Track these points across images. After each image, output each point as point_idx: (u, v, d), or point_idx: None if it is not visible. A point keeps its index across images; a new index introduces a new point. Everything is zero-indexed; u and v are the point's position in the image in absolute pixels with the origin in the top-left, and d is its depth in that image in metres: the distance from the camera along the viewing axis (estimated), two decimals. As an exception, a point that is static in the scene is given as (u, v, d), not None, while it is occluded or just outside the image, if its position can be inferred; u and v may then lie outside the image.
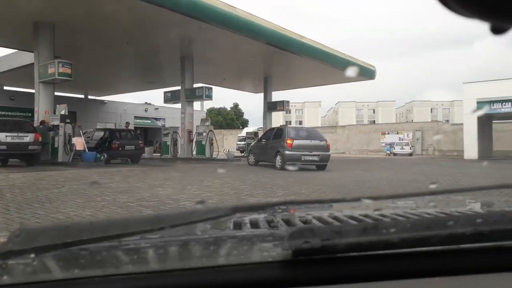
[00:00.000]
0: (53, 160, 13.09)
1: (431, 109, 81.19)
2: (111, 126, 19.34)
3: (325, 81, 24.93)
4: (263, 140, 14.52)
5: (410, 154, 32.51)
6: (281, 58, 18.99)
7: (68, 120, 13.67)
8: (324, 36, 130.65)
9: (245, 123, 65.26)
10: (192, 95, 18.48)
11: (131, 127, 20.31)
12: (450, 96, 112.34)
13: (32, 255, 0.62)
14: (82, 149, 13.97)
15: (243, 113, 71.50)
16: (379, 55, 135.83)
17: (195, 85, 19.00)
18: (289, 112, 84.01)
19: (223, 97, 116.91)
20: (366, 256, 0.58)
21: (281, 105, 23.12)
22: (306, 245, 0.56)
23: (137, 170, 11.05)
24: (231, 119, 68.57)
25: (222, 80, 24.13)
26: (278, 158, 12.70)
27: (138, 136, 16.16)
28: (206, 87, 18.39)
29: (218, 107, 69.32)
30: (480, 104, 22.51)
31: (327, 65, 20.04)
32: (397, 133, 38.16)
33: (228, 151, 18.32)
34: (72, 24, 13.73)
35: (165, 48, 17.36)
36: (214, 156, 18.23)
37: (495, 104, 22.17)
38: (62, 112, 13.84)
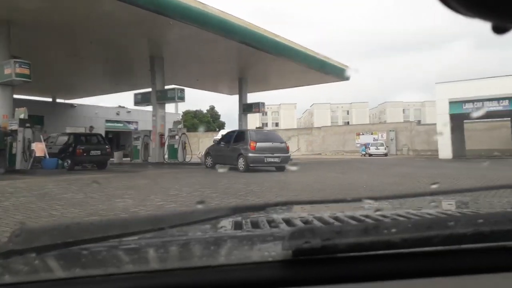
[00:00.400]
0: (10, 167, 12.13)
1: (403, 109, 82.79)
2: (82, 130, 18.42)
3: (300, 82, 24.66)
4: (222, 143, 14.52)
5: (385, 155, 32.67)
6: (255, 58, 18.53)
7: (28, 125, 12.73)
8: (296, 38, 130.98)
9: (221, 126, 64.87)
10: (163, 97, 17.76)
11: (100, 131, 19.38)
12: (421, 97, 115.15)
13: (33, 255, 0.62)
14: (43, 155, 13.04)
15: (219, 115, 71.25)
16: (352, 57, 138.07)
17: (167, 87, 18.28)
18: (266, 114, 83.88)
19: (199, 99, 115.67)
20: (366, 256, 0.58)
21: (256, 107, 22.64)
22: (307, 245, 0.56)
23: (101, 178, 10.29)
24: (207, 121, 68.09)
25: (195, 82, 23.46)
26: (241, 160, 12.82)
27: (105, 141, 15.29)
28: (178, 89, 17.70)
29: (194, 109, 68.46)
30: (453, 104, 22.70)
31: (302, 65, 19.72)
32: (372, 134, 38.37)
33: (202, 154, 17.64)
34: (30, 22, 12.80)
35: (133, 48, 16.60)
36: (187, 160, 17.56)
37: (466, 104, 22.39)
38: (21, 116, 12.88)
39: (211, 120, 68.18)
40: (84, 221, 0.79)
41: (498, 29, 0.39)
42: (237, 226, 0.94)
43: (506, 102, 21.37)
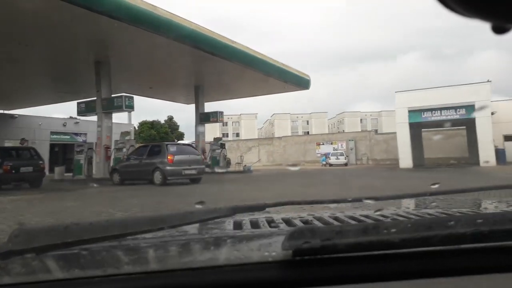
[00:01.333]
0: None
1: (361, 119, 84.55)
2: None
3: (260, 90, 23.79)
4: (133, 157, 14.16)
5: (345, 164, 32.40)
6: (211, 64, 17.45)
7: None
8: (253, 48, 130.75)
9: (180, 137, 63.26)
10: (109, 106, 16.19)
11: (44, 144, 17.40)
12: (378, 107, 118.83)
13: (32, 255, 0.63)
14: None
15: (178, 126, 67.99)
16: (309, 68, 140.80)
17: (114, 95, 16.73)
18: (226, 124, 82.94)
19: (157, 109, 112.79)
20: (366, 256, 0.58)
21: (214, 117, 21.49)
22: (306, 245, 0.56)
23: (21, 200, 8.65)
24: (165, 132, 66.27)
25: (148, 90, 21.97)
26: (157, 174, 12.78)
27: (39, 155, 13.50)
28: (126, 97, 16.20)
29: (152, 120, 65.87)
30: (412, 112, 22.64)
31: (260, 73, 18.85)
32: (332, 144, 38.18)
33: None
34: None
35: (76, 51, 15.00)
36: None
37: (425, 112, 22.39)
38: None
39: (170, 131, 66.38)
40: (84, 221, 0.70)
41: (498, 29, 0.39)
42: (237, 226, 0.95)
43: (463, 111, 21.53)
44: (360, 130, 51.84)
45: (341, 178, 14.53)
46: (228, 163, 30.97)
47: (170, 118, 67.77)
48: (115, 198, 8.90)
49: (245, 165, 20.84)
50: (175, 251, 0.71)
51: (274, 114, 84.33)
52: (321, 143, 38.57)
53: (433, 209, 1.21)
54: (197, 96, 21.63)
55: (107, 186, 13.25)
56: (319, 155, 37.75)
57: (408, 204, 1.32)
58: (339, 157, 33.15)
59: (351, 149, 36.59)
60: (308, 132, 69.81)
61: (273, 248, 0.63)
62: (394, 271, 0.58)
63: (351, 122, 79.80)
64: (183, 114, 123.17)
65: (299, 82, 22.13)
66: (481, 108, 19.13)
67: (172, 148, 13.59)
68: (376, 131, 38.19)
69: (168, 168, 12.66)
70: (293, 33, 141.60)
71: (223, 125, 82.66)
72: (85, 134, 28.73)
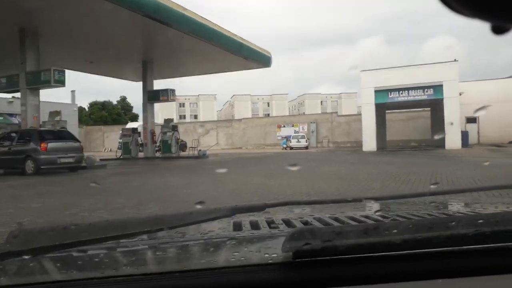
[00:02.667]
0: None
1: (321, 101, 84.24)
2: None
3: (218, 67, 21.66)
4: (0, 144, 12.81)
5: (306, 147, 31.21)
6: (161, 35, 15.25)
7: None
8: None
9: (134, 118, 60.01)
10: (35, 80, 13.62)
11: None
12: (338, 89, 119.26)
13: (30, 257, 0.62)
14: None
15: (132, 107, 65.46)
16: (269, 50, 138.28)
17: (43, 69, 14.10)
18: (183, 106, 79.83)
19: (111, 89, 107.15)
20: (367, 258, 0.57)
21: (164, 95, 19.24)
22: (307, 246, 0.56)
23: None
24: (118, 114, 62.55)
25: (88, 65, 19.29)
26: (30, 163, 11.77)
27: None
28: (56, 70, 13.63)
29: (103, 100, 63.18)
30: (378, 93, 21.48)
31: (218, 47, 16.79)
32: (293, 126, 36.87)
33: (87, 157, 13.90)
34: None
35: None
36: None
37: (392, 92, 21.32)
38: None
39: (123, 112, 62.45)
40: (83, 222, 0.71)
41: (498, 30, 0.39)
42: (237, 227, 0.95)
43: (431, 91, 20.63)
44: (320, 112, 50.87)
45: (305, 165, 12.99)
46: (184, 146, 28.94)
47: (123, 99, 65.82)
48: (22, 194, 6.80)
49: (199, 150, 18.84)
50: (174, 253, 0.71)
51: (234, 95, 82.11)
52: (282, 126, 37.18)
53: (433, 209, 1.21)
54: (145, 72, 19.27)
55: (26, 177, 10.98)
56: (279, 138, 36.40)
57: (408, 204, 1.30)
58: (300, 140, 31.86)
59: (312, 131, 35.47)
60: (268, 114, 68.40)
61: (273, 250, 0.63)
62: (395, 273, 0.57)
63: (311, 104, 79.20)
64: (137, 94, 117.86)
65: (260, 59, 20.26)
66: (456, 93, 18.07)
67: (46, 135, 12.46)
68: (336, 113, 37.17)
69: (42, 156, 11.65)
70: (252, 16, 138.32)
71: (180, 106, 79.54)
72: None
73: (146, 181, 8.76)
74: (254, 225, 0.95)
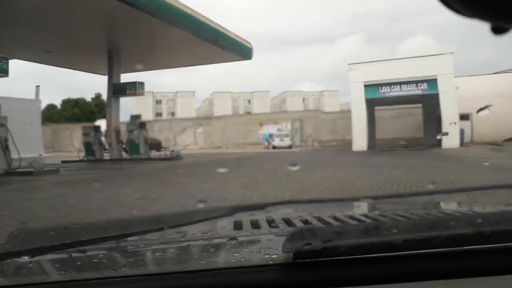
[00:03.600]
0: None
1: (303, 99, 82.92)
2: None
3: (194, 60, 19.51)
4: None
5: (290, 147, 29.44)
6: (127, 20, 13.11)
7: None
8: None
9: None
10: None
11: None
12: (319, 87, 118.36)
13: (30, 257, 0.62)
14: None
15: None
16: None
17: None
18: (160, 103, 77.04)
19: (87, 86, 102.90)
20: (367, 258, 0.57)
21: (132, 88, 17.02)
22: (307, 247, 0.56)
23: None
24: (91, 111, 59.94)
25: (45, 54, 16.90)
26: None
27: None
28: (-5, 57, 11.32)
29: (76, 97, 62.04)
30: (368, 87, 19.81)
31: (191, 34, 14.73)
32: (276, 124, 35.07)
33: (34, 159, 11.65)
34: None
35: None
36: (14, 165, 11.42)
37: (383, 87, 19.69)
38: None
39: (97, 110, 59.79)
40: (83, 221, 0.69)
41: (497, 30, 0.39)
42: (237, 226, 0.94)
43: (425, 85, 19.09)
44: (303, 109, 49.17)
45: (293, 169, 11.10)
46: (158, 146, 26.74)
47: (98, 96, 63.57)
48: None
49: (172, 150, 16.66)
50: (174, 253, 0.70)
51: (213, 92, 79.82)
52: (264, 124, 35.29)
53: (432, 208, 1.19)
54: (111, 62, 17.02)
55: None
56: (261, 136, 34.56)
57: (407, 204, 1.29)
58: (283, 138, 30.07)
59: (296, 130, 33.73)
60: (249, 112, 66.43)
61: (273, 250, 0.62)
62: (395, 273, 0.57)
63: (293, 101, 77.62)
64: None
65: (240, 50, 18.29)
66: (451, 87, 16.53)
67: None
68: (322, 110, 35.51)
69: None
70: (230, 14, 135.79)
71: (157, 103, 76.71)
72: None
73: (88, 194, 6.70)
74: (255, 224, 0.94)
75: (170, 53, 18.25)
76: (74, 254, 0.65)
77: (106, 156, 17.42)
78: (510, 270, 0.57)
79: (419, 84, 18.86)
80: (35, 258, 0.63)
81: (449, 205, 1.27)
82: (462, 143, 19.77)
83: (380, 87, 19.59)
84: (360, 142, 19.92)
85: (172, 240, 0.76)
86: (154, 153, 17.55)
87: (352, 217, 0.99)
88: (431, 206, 1.24)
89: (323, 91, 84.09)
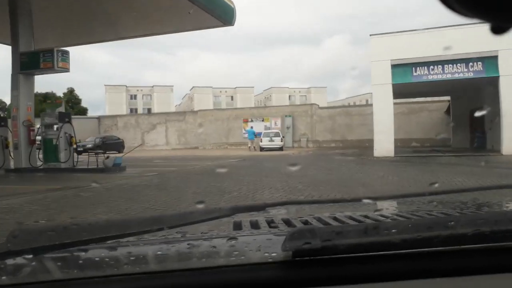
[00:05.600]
0: None
1: (289, 96, 78.00)
2: None
3: (164, 23, 13.60)
4: None
5: (281, 148, 23.83)
6: None
7: None
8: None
9: (82, 113, 53.14)
10: None
11: None
12: (306, 84, 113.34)
13: (31, 256, 0.62)
14: None
15: (80, 100, 59.08)
16: (237, 48, 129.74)
17: None
18: (135, 98, 70.57)
19: (60, 80, 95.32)
20: (367, 257, 0.58)
21: (48, 59, 11.02)
22: (307, 246, 0.56)
23: None
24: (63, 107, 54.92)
25: None
26: None
27: None
28: None
29: (45, 91, 54.48)
30: (397, 68, 14.21)
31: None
32: (263, 120, 29.41)
33: None
34: None
35: None
36: None
37: (418, 68, 14.11)
38: None
39: (69, 106, 53.82)
40: (83, 221, 0.69)
41: (497, 30, 0.39)
42: (237, 226, 0.94)
43: (479, 66, 13.59)
44: (298, 103, 43.23)
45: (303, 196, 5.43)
46: (120, 145, 21.15)
47: (71, 91, 57.99)
48: None
49: (107, 157, 10.50)
50: (174, 252, 0.70)
51: (193, 87, 73.60)
52: (249, 120, 29.57)
53: (432, 208, 1.20)
54: (16, 29, 11.08)
55: None
56: (246, 135, 28.91)
57: (407, 204, 1.30)
58: (273, 138, 24.39)
59: (288, 127, 28.14)
60: (232, 107, 60.60)
61: (273, 249, 0.63)
62: (395, 272, 0.57)
63: (279, 98, 72.32)
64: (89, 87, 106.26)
65: (219, 10, 12.53)
66: None
67: None
68: (317, 105, 29.87)
69: None
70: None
71: (131, 99, 70.18)
72: None
73: None
74: (254, 225, 0.94)
75: (129, 13, 12.36)
76: (75, 253, 0.66)
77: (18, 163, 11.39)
78: (510, 269, 0.57)
79: (471, 63, 13.42)
80: (36, 257, 0.62)
81: (450, 206, 1.25)
82: None
83: (413, 68, 14.08)
84: (385, 144, 14.28)
85: (172, 239, 0.76)
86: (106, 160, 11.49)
87: (352, 218, 0.99)
88: (431, 206, 1.25)
89: (310, 87, 79.03)
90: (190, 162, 14.33)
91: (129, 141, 31.03)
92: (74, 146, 11.17)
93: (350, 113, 27.19)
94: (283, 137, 25.03)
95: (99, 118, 32.40)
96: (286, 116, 28.47)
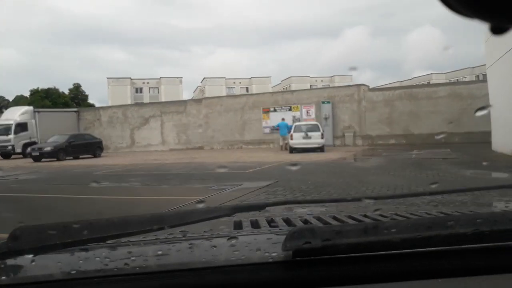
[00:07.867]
0: None
1: (310, 86, 69.83)
2: None
3: None
4: None
5: (321, 148, 16.20)
6: None
7: None
8: (187, 23, 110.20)
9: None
10: None
11: None
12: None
13: (31, 256, 0.62)
14: None
15: (87, 95, 57.97)
16: (253, 42, 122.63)
17: None
18: (141, 91, 63.90)
19: (63, 76, 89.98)
20: (366, 257, 0.58)
21: None
22: (307, 245, 0.56)
23: None
24: (65, 103, 52.67)
25: None
26: None
27: None
28: None
29: (47, 87, 55.06)
30: None
31: None
32: (290, 109, 21.63)
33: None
34: None
35: None
36: None
37: None
38: None
39: (75, 102, 53.84)
40: (83, 221, 0.69)
41: (497, 30, 0.39)
42: (237, 226, 0.94)
43: None
44: (338, 85, 35.09)
45: None
46: (96, 148, 15.63)
47: (77, 87, 57.71)
48: None
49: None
50: (175, 252, 0.70)
51: (205, 78, 66.38)
52: (272, 109, 21.85)
53: (432, 208, 1.18)
54: None
55: None
56: (267, 130, 21.28)
57: (407, 204, 1.29)
58: (309, 133, 16.64)
59: (326, 118, 20.31)
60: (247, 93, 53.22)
61: (273, 249, 0.63)
62: (394, 272, 0.57)
63: (300, 88, 64.48)
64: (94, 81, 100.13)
65: None
66: None
67: None
68: (368, 86, 21.86)
69: None
70: (227, 8, 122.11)
71: (137, 92, 63.50)
72: None
73: None
74: (255, 224, 0.94)
75: None
76: (76, 253, 0.65)
77: None
78: (509, 269, 0.57)
79: None
80: (37, 257, 0.62)
81: (450, 205, 1.23)
82: None
83: None
84: (500, 136, 7.00)
85: (172, 239, 0.76)
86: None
87: (351, 217, 0.98)
88: (431, 206, 1.23)
89: (333, 76, 70.48)
90: (192, 183, 7.05)
91: (115, 140, 23.70)
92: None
93: (415, 96, 19.14)
94: (323, 132, 17.27)
95: (78, 112, 25.17)
96: (324, 102, 20.62)
